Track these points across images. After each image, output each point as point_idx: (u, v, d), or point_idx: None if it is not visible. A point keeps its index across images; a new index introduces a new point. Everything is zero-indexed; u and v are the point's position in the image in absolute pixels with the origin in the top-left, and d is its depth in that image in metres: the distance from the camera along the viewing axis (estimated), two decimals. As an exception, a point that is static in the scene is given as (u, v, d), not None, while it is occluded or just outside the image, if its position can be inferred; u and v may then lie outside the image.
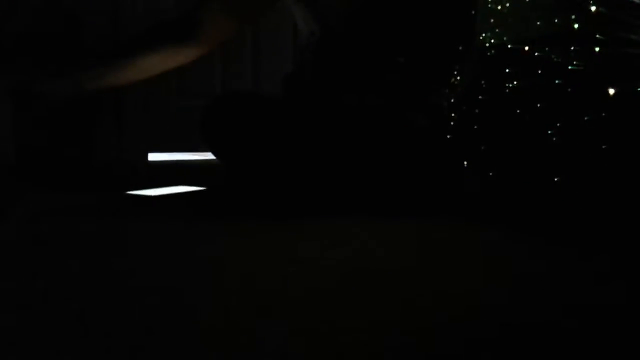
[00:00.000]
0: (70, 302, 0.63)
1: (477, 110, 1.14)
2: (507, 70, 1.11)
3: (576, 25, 1.07)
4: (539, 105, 1.07)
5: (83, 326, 0.56)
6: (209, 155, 1.53)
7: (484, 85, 1.14)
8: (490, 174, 1.11)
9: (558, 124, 1.05)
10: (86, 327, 0.56)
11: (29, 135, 1.52)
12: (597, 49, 1.04)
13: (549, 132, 1.06)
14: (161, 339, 0.53)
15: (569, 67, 1.05)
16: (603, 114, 1.02)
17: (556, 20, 1.11)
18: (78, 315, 0.59)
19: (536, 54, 1.08)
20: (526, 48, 1.09)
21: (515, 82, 1.10)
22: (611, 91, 1.01)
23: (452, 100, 1.18)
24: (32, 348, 0.51)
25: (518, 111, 1.09)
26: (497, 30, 1.19)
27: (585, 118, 1.03)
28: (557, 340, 0.52)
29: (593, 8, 1.05)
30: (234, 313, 0.60)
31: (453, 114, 1.17)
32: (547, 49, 1.08)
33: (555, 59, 1.06)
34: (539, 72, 1.08)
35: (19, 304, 0.63)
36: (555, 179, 1.05)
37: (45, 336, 0.53)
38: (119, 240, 0.96)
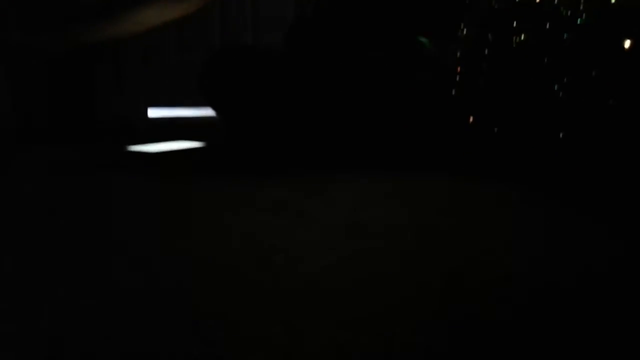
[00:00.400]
0: (62, 253, 0.64)
1: (483, 65, 1.12)
2: (514, 24, 1.08)
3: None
4: (546, 60, 1.05)
5: (80, 277, 0.57)
6: (209, 111, 1.52)
7: (490, 40, 1.11)
8: (495, 129, 1.10)
9: (565, 80, 1.04)
10: (82, 281, 0.56)
11: (29, 115, 1.51)
12: (606, 3, 1.01)
13: (556, 87, 1.04)
14: (165, 289, 0.54)
15: (578, 21, 1.03)
16: (610, 70, 1.00)
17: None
18: (73, 268, 0.60)
19: (545, 7, 1.06)
20: (536, 1, 1.06)
21: (522, 36, 1.07)
22: (626, 44, 0.98)
23: (459, 54, 1.16)
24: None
25: (525, 66, 1.07)
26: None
27: (593, 73, 1.01)
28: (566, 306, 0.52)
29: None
30: (238, 263, 0.61)
31: (459, 68, 1.14)
32: (556, 2, 1.05)
33: (564, 13, 1.04)
34: (547, 26, 1.05)
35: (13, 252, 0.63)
36: (560, 135, 1.04)
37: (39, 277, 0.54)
38: (118, 196, 0.96)
